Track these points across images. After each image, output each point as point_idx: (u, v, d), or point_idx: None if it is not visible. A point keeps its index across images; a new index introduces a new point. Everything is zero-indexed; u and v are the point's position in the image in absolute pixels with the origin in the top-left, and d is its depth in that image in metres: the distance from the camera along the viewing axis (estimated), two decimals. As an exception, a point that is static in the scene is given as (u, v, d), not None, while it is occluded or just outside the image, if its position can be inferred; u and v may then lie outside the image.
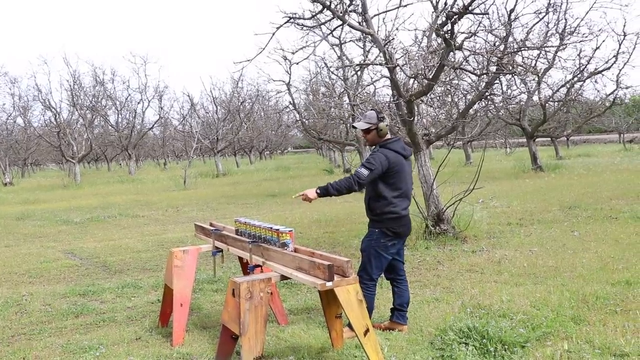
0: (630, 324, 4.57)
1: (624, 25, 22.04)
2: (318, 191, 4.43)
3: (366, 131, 4.77)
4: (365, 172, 4.50)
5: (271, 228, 4.21)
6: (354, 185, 4.48)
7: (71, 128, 36.47)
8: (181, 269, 4.87)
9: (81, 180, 32.66)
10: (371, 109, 5.14)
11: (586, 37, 17.92)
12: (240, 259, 5.15)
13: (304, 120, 22.46)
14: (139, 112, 44.95)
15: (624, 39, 20.21)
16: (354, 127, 5.06)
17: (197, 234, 5.65)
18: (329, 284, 3.52)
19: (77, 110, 36.75)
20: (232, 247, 4.77)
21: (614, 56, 20.74)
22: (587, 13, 23.44)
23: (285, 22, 8.76)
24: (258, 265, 4.27)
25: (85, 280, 7.49)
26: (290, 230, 4.09)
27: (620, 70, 22.14)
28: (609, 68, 21.08)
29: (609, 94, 24.44)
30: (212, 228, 5.28)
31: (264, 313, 3.60)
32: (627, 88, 23.47)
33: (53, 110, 36.15)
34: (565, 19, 17.62)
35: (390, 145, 4.68)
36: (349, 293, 3.66)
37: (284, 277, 3.87)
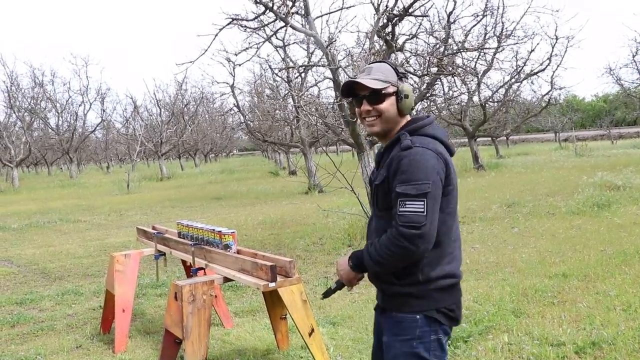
0: (566, 314, 4.75)
1: (556, 30, 23.12)
2: (351, 263, 2.34)
3: (375, 99, 2.30)
4: (419, 207, 2.09)
5: (213, 230, 4.16)
6: (408, 244, 2.09)
7: (8, 131, 35.16)
8: (123, 274, 4.76)
9: (19, 185, 31.51)
10: (380, 61, 2.45)
11: (522, 39, 18.62)
12: (184, 262, 5.07)
13: (249, 122, 22.35)
14: (81, 115, 43.49)
15: (556, 42, 21.15)
16: (353, 83, 2.31)
17: (140, 237, 5.54)
18: (272, 284, 3.50)
19: (14, 112, 35.53)
20: (175, 250, 4.69)
21: (547, 58, 21.69)
22: (522, 17, 24.43)
23: (228, 24, 8.70)
24: (201, 268, 4.21)
25: (23, 288, 7.22)
26: (233, 232, 4.04)
27: (554, 72, 23.13)
28: (543, 70, 22.01)
29: (544, 95, 25.39)
30: (154, 231, 5.18)
31: (207, 316, 3.56)
32: (560, 89, 24.51)
33: (-12, 112, 34.85)
34: (503, 22, 18.26)
35: (430, 131, 2.29)
36: (292, 293, 3.65)
37: (227, 279, 3.83)
